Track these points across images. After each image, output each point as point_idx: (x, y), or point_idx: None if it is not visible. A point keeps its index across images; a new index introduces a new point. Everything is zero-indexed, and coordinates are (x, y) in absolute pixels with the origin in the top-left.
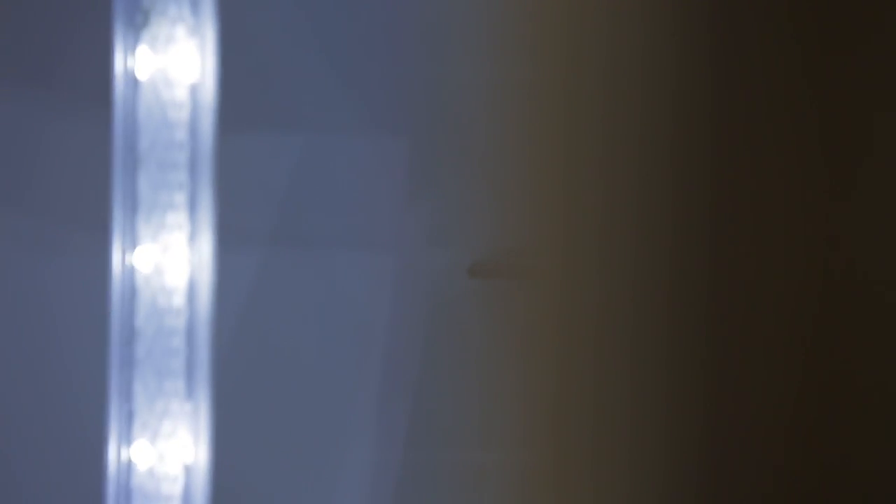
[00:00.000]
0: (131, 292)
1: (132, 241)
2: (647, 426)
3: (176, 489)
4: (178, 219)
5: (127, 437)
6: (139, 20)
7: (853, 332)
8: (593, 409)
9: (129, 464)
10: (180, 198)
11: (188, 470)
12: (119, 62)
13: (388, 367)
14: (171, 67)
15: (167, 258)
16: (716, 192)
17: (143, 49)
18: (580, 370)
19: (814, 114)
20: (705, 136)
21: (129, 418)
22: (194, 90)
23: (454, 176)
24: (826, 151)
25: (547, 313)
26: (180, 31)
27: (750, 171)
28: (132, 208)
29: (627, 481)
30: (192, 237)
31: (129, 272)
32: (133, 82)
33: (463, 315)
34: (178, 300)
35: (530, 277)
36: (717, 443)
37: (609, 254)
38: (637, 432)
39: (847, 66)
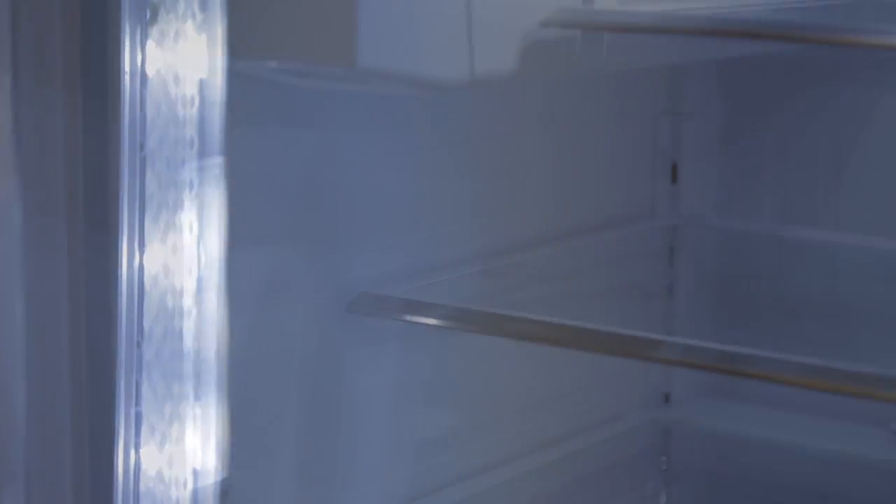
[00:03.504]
0: (140, 293)
1: (141, 242)
2: None
3: (185, 493)
4: (187, 218)
5: (135, 441)
6: (147, 16)
7: None
8: None
9: (138, 467)
10: (189, 197)
11: (197, 474)
12: (127, 58)
13: None
14: (179, 64)
15: (176, 259)
16: None
17: (151, 45)
18: None
19: None
20: None
21: (137, 421)
22: (203, 86)
23: None
24: None
25: None
26: (189, 27)
27: None
28: (140, 207)
29: None
30: (202, 237)
31: (138, 273)
32: (141, 79)
33: None
34: (188, 301)
35: None
36: None
37: None
38: None
39: None
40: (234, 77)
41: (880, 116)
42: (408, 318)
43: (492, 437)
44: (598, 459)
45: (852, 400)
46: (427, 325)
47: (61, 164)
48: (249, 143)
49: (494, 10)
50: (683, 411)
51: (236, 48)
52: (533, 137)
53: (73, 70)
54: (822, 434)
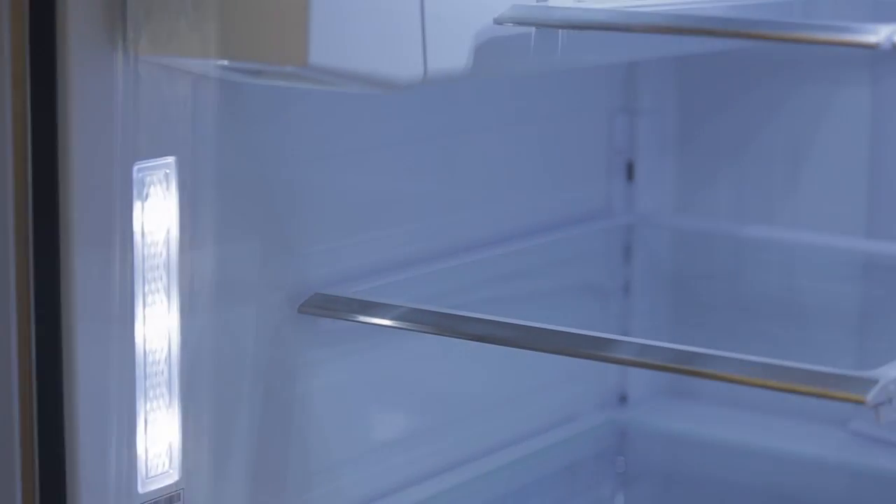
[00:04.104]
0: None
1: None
2: None
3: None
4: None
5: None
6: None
7: None
8: None
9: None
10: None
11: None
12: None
13: None
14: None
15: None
16: None
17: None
18: None
19: None
20: None
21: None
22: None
23: None
24: None
25: None
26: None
27: None
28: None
29: None
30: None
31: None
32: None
33: None
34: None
35: None
36: None
37: None
38: None
39: None
40: (186, 76)
41: (837, 114)
42: (361, 318)
43: (447, 438)
44: (554, 461)
45: (811, 400)
46: (381, 325)
47: (10, 158)
48: (200, 142)
49: (448, 8)
50: (640, 412)
51: None
52: (487, 136)
53: (20, 63)
54: (780, 434)
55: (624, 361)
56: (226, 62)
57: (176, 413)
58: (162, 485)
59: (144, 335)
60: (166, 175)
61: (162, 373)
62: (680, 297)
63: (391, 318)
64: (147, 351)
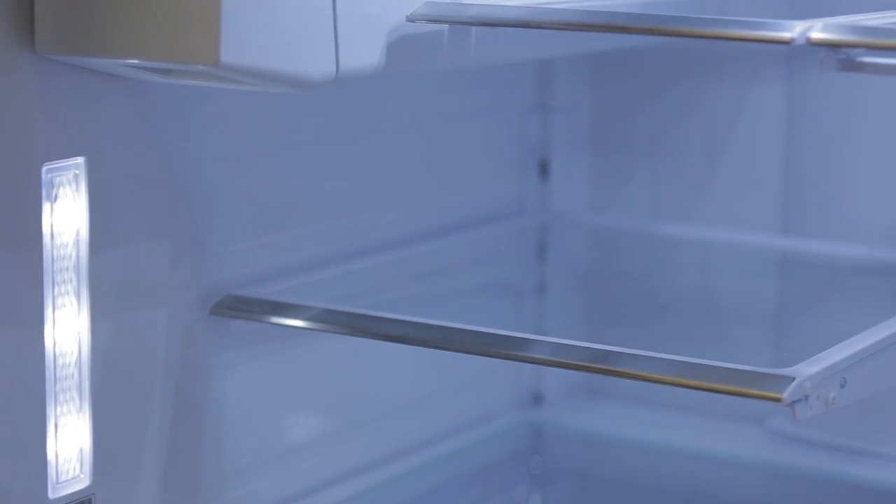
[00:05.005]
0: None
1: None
2: None
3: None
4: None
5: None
6: None
7: None
8: None
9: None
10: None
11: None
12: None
13: None
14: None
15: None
16: None
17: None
18: None
19: None
20: None
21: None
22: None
23: None
24: None
25: None
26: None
27: None
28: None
29: None
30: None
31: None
32: None
33: None
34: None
35: None
36: None
37: None
38: None
39: None
40: (95, 75)
41: (752, 110)
42: (274, 320)
43: (362, 440)
44: (469, 462)
45: (727, 398)
46: (294, 327)
47: None
48: (110, 142)
49: (360, 5)
50: (556, 411)
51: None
52: (401, 134)
53: None
54: (697, 433)
55: (539, 361)
56: (136, 61)
57: (86, 417)
58: (73, 490)
59: (54, 338)
60: (76, 176)
61: (72, 376)
62: (595, 295)
63: (304, 319)
64: (57, 354)
